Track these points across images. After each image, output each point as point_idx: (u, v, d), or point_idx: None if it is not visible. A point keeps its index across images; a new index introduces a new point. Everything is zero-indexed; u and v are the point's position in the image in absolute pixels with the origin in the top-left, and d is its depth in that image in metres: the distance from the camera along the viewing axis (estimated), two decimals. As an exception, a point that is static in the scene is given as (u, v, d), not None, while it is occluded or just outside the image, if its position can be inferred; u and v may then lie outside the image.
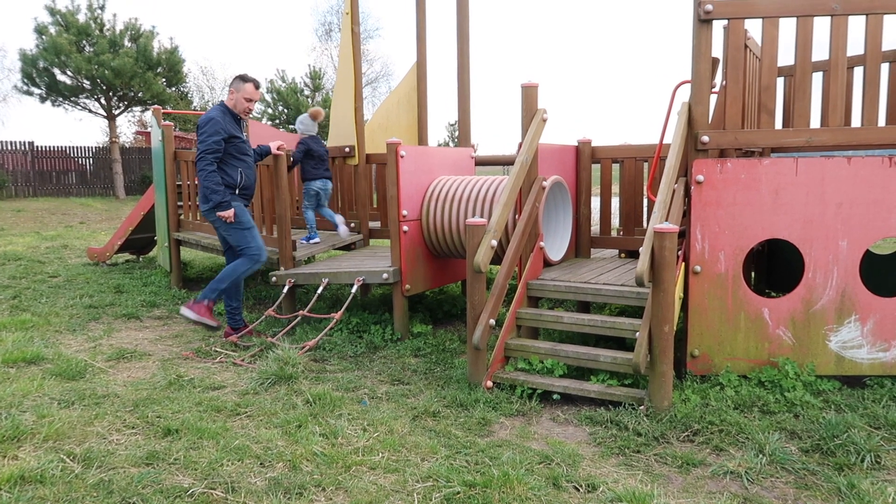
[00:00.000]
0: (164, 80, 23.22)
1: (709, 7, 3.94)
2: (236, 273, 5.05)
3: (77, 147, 23.23)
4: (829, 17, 3.96)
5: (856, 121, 5.05)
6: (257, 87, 5.09)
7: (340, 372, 4.51)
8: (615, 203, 5.84)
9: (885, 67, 4.25)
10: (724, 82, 4.18)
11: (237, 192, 5.03)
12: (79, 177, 23.18)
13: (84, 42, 21.58)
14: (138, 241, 9.47)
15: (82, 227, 15.82)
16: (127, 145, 27.16)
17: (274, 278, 5.87)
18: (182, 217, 7.62)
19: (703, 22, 3.99)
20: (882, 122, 4.18)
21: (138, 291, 7.28)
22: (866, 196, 3.93)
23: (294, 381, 4.22)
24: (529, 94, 4.68)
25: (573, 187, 5.40)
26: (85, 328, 5.73)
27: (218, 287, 5.02)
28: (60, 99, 22.37)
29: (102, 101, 22.90)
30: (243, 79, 5.06)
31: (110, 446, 3.25)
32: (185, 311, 5.01)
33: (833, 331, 4.01)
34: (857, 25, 3.98)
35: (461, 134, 7.15)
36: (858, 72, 4.56)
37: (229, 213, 4.89)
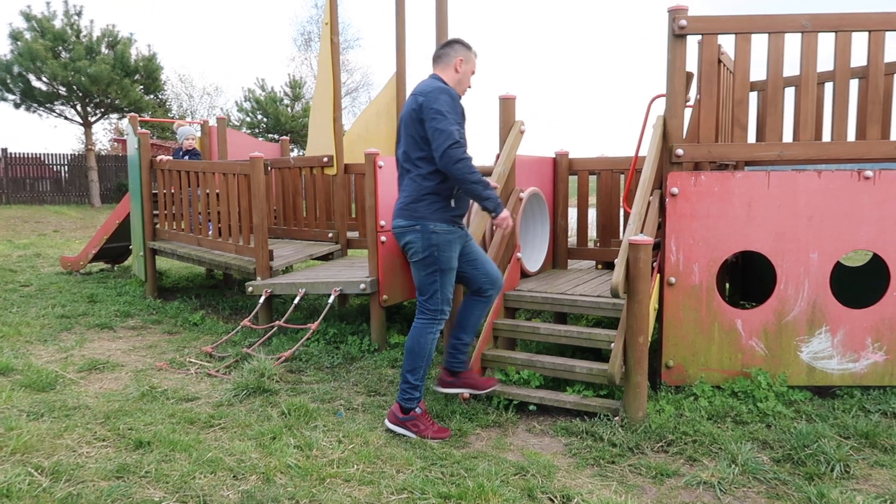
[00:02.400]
0: (141, 87, 23.00)
1: (683, 23, 4.00)
2: (424, 348, 3.60)
3: (52, 154, 22.89)
4: (799, 34, 4.04)
5: (826, 135, 5.16)
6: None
7: (317, 383, 4.48)
8: (592, 214, 5.89)
9: (854, 83, 4.34)
10: (698, 96, 4.24)
11: (453, 203, 3.58)
12: (53, 184, 22.83)
13: (60, 48, 21.31)
14: (113, 249, 9.35)
15: (56, 235, 15.58)
16: (103, 153, 26.85)
17: (250, 288, 5.82)
18: (158, 226, 7.54)
19: (677, 37, 4.05)
20: (851, 136, 4.27)
21: (112, 301, 7.18)
22: (836, 209, 4.01)
23: (269, 392, 4.18)
24: (507, 107, 4.71)
25: (550, 199, 5.43)
26: (56, 338, 5.63)
27: (412, 380, 3.59)
28: (35, 105, 22.04)
29: (78, 107, 22.61)
30: (468, 46, 3.69)
31: (80, 459, 3.20)
32: (395, 427, 3.60)
33: (804, 342, 4.07)
34: (827, 42, 4.08)
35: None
36: (830, 87, 4.66)
37: (505, 217, 3.59)
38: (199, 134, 8.88)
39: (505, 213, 3.59)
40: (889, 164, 4.38)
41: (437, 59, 3.70)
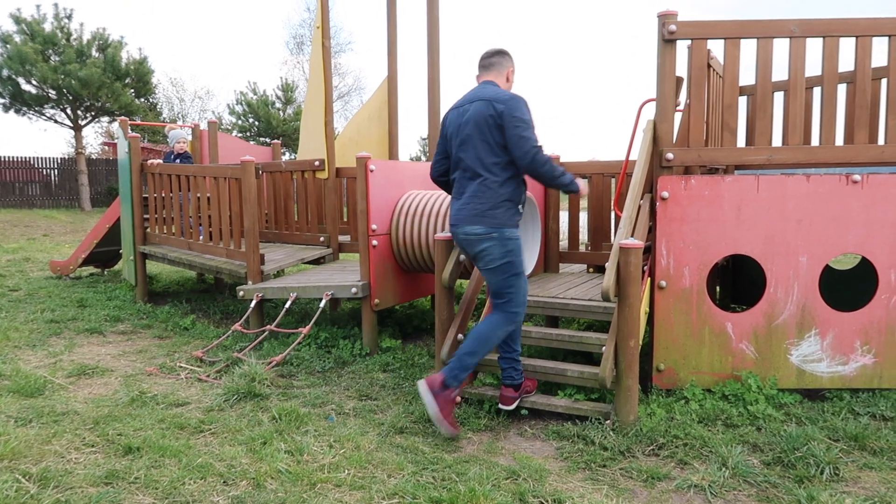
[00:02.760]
0: (132, 90, 22.92)
1: (673, 28, 4.02)
2: (491, 339, 3.69)
3: (41, 158, 22.80)
4: (788, 40, 4.07)
5: (816, 140, 5.19)
6: None
7: (308, 387, 4.46)
8: (583, 218, 5.90)
9: (841, 88, 4.37)
10: (687, 101, 4.27)
11: (520, 209, 3.73)
12: (43, 188, 22.72)
13: (50, 51, 21.23)
14: (103, 254, 9.30)
15: (45, 239, 15.48)
16: (93, 156, 26.72)
17: (241, 292, 5.80)
18: (148, 230, 7.51)
19: (667, 42, 4.07)
20: (840, 141, 4.30)
21: (102, 306, 7.14)
22: (825, 213, 4.04)
23: (260, 397, 4.17)
24: (498, 111, 4.71)
25: (542, 203, 5.44)
26: (45, 343, 5.59)
27: (469, 362, 3.64)
28: (25, 108, 21.94)
29: (69, 111, 22.51)
30: (509, 54, 3.83)
31: (68, 465, 3.17)
32: (425, 392, 3.61)
33: (794, 345, 4.10)
34: (815, 48, 4.10)
35: (431, 149, 7.17)
36: (819, 91, 4.69)
37: (583, 184, 3.76)
38: (189, 137, 8.85)
39: (582, 182, 3.76)
40: (877, 168, 4.42)
41: (488, 66, 3.78)
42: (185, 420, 3.77)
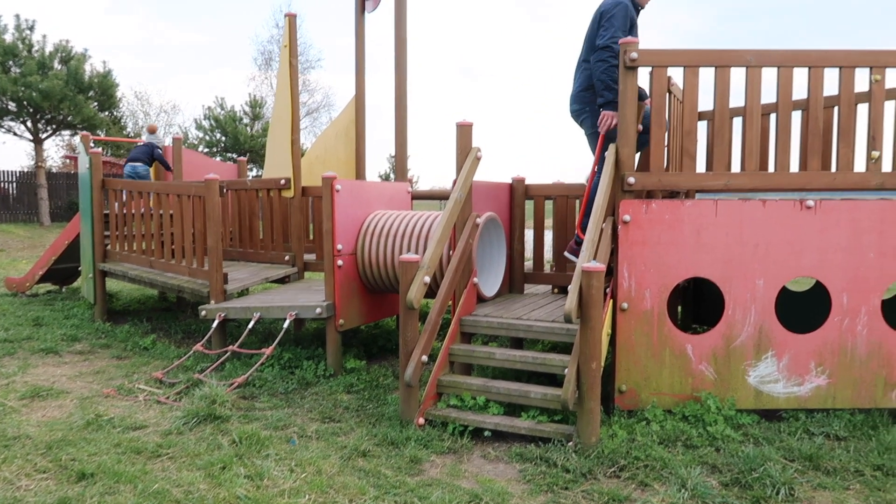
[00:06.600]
0: (95, 104, 22.56)
1: (634, 55, 4.11)
2: None
3: (-1, 171, 22.23)
4: (744, 68, 4.19)
5: (773, 165, 5.33)
6: None
7: (270, 409, 4.40)
8: (548, 239, 5.96)
9: (798, 115, 4.51)
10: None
11: None
12: (0, 202, 22.12)
13: (10, 62, 20.80)
14: (62, 271, 9.09)
15: (2, 255, 15.06)
16: (54, 170, 26.16)
17: (204, 312, 5.71)
18: (109, 247, 7.36)
19: (628, 69, 4.17)
20: (795, 167, 4.42)
21: (59, 324, 6.97)
22: (780, 237, 4.15)
23: (220, 419, 4.10)
24: (464, 133, 4.76)
25: (507, 224, 5.49)
26: (-2, 364, 5.43)
27: None
28: (-17, 120, 21.44)
29: (29, 123, 22.04)
30: None
31: (18, 493, 3.07)
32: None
33: (752, 366, 4.18)
34: (771, 76, 4.23)
35: (398, 169, 7.19)
36: (775, 117, 4.83)
37: (613, 115, 4.37)
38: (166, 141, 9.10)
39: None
40: (830, 194, 4.56)
41: None
42: (142, 444, 3.69)
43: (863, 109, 4.28)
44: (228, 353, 5.33)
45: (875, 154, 4.21)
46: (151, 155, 9.92)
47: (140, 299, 8.88)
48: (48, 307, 7.96)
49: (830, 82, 4.21)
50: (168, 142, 9.74)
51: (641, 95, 4.50)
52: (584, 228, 4.79)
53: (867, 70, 4.17)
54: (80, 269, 8.65)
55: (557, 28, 67.73)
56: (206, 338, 5.58)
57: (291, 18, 6.58)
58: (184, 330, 6.93)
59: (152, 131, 11.15)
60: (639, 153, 4.60)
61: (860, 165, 4.28)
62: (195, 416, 4.09)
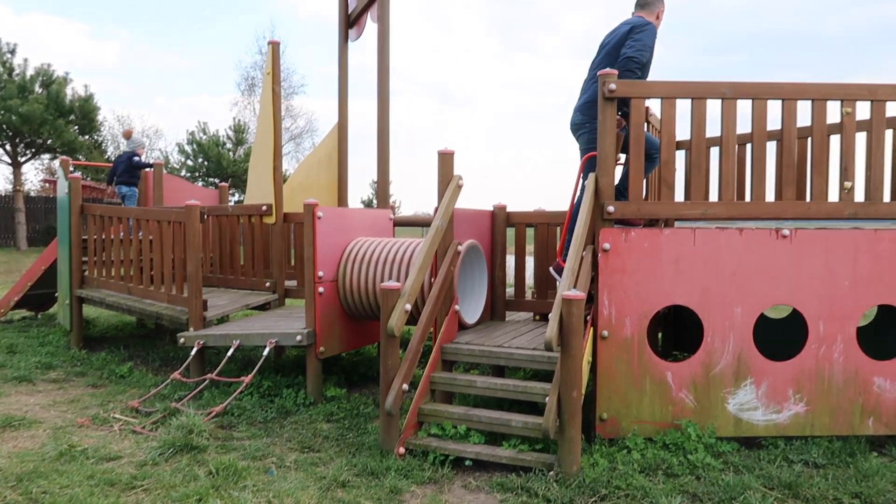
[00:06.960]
0: (76, 127, 22.45)
1: (612, 86, 4.19)
2: None
3: (-24, 194, 21.97)
4: (720, 100, 4.28)
5: (749, 193, 5.42)
6: None
7: (248, 439, 4.34)
8: (530, 266, 5.99)
9: (773, 146, 4.60)
10: (627, 155, 4.42)
11: None
12: (-24, 226, 21.84)
13: (-9, 86, 20.69)
14: (38, 296, 8.95)
15: (-24, 279, 14.80)
16: (32, 193, 25.89)
17: (182, 339, 5.65)
18: (87, 273, 7.27)
19: (607, 100, 4.23)
20: (770, 196, 4.50)
21: (33, 352, 6.84)
22: (757, 265, 4.20)
23: (198, 449, 4.03)
24: (445, 161, 4.80)
25: (488, 251, 5.51)
26: (-31, 393, 5.31)
27: None
28: (-40, 143, 21.22)
29: (7, 147, 21.85)
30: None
31: (-14, 528, 2.99)
32: None
33: (731, 394, 4.20)
34: (746, 108, 4.33)
35: (380, 195, 7.21)
36: (750, 147, 4.92)
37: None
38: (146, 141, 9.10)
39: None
40: (804, 223, 4.64)
41: (643, 5, 4.91)
42: (116, 476, 3.61)
43: (835, 140, 4.38)
44: (207, 382, 5.26)
45: (847, 184, 4.30)
46: (132, 165, 9.81)
47: (117, 326, 8.76)
48: (23, 334, 7.82)
49: (803, 114, 4.31)
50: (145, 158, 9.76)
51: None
52: (564, 255, 4.83)
53: (839, 103, 4.27)
54: (56, 294, 8.52)
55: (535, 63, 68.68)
56: (185, 365, 5.50)
57: (275, 46, 6.63)
58: (162, 357, 6.83)
59: (128, 136, 10.88)
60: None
61: (834, 195, 4.37)
62: (171, 446, 4.02)
